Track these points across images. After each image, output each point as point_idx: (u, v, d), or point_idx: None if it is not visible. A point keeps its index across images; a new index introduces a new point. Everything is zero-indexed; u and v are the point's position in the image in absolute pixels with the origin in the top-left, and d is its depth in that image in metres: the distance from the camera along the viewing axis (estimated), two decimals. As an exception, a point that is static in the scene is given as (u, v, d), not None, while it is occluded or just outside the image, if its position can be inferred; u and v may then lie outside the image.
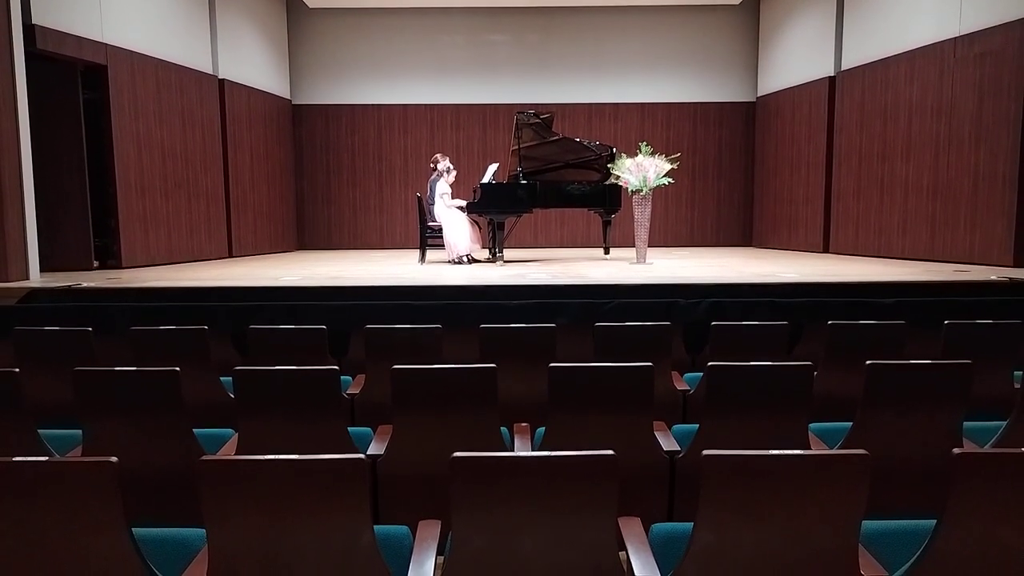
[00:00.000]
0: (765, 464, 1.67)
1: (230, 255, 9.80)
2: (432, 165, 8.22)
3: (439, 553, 1.94)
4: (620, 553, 1.80)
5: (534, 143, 8.24)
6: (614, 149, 8.36)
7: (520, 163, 8.11)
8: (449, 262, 7.85)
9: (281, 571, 1.71)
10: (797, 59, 10.35)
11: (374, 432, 2.88)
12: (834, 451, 2.28)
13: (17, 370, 2.61)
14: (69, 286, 5.50)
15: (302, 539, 1.70)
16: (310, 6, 11.36)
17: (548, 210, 9.62)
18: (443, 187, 7.99)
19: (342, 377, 3.17)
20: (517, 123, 8.13)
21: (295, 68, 11.64)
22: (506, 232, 8.00)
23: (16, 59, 5.91)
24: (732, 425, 2.59)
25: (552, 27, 11.60)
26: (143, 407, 2.58)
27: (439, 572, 1.81)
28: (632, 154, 7.43)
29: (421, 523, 2.06)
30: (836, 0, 9.41)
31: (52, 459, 1.99)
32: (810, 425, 2.75)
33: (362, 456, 1.69)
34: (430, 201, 8.09)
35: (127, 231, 7.79)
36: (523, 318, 4.54)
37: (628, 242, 8.52)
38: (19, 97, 5.93)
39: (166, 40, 8.49)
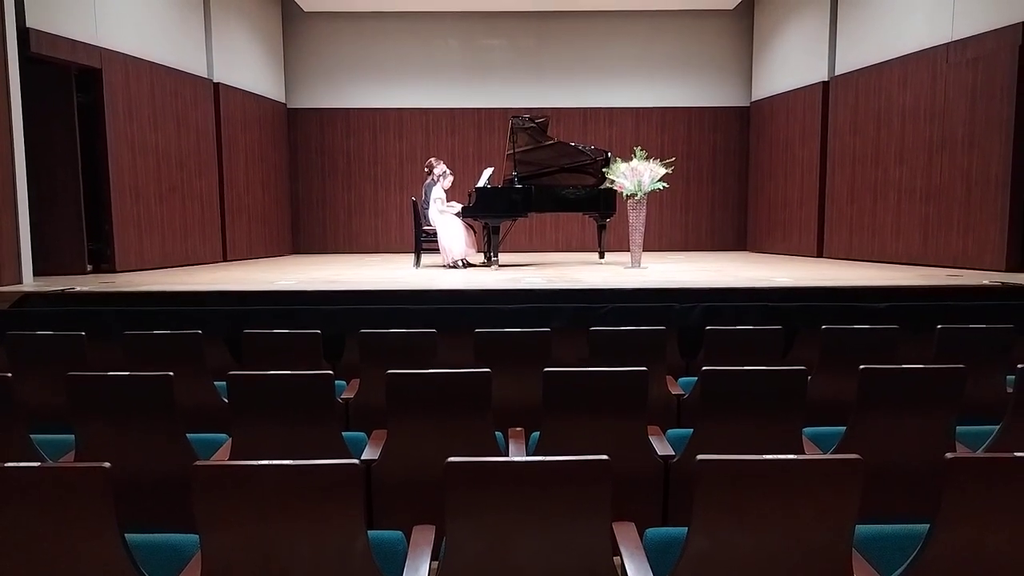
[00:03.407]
0: (759, 468, 1.68)
1: (224, 259, 9.77)
2: (427, 170, 8.23)
3: (434, 558, 1.94)
4: (614, 558, 1.80)
5: (529, 147, 8.25)
6: (609, 153, 8.39)
7: (515, 167, 8.11)
8: (444, 266, 7.85)
9: (275, 577, 1.71)
10: (791, 64, 10.39)
11: (368, 437, 2.88)
12: (828, 455, 2.28)
13: (9, 375, 2.60)
14: (62, 290, 5.48)
15: (296, 545, 1.69)
16: (305, 10, 11.37)
17: (543, 214, 9.62)
18: (438, 191, 8.00)
19: (336, 382, 3.17)
20: (512, 127, 8.14)
21: (290, 72, 11.64)
22: (501, 236, 8.01)
23: (10, 62, 5.90)
24: (726, 429, 2.59)
25: (547, 31, 11.62)
26: (136, 412, 2.57)
27: (433, 577, 1.80)
28: (627, 158, 7.46)
29: (415, 528, 2.05)
30: (830, 5, 9.46)
31: (44, 464, 1.98)
32: (804, 429, 2.75)
33: (356, 461, 1.69)
34: (425, 205, 8.09)
35: (121, 235, 7.76)
36: (518, 322, 4.54)
37: (623, 246, 8.53)
38: (13, 100, 5.92)
39: (160, 43, 8.48)
